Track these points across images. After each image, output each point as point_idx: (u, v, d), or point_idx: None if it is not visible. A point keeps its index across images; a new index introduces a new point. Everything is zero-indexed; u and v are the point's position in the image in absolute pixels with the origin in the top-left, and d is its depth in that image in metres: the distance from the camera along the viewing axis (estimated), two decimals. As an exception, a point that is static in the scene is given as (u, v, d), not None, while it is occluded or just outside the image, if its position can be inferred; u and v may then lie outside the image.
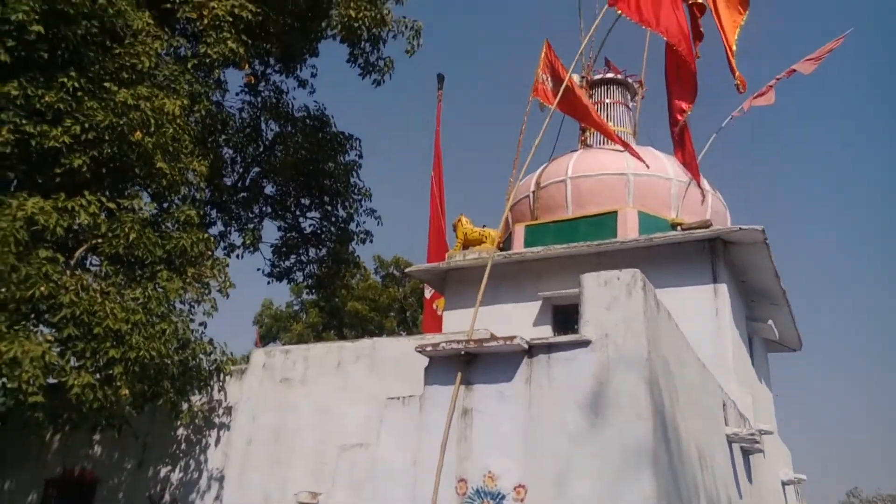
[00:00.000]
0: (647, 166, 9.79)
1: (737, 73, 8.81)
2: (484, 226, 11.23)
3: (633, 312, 5.16)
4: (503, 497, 5.17)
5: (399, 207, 52.11)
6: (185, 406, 7.94)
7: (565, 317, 9.49)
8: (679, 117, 8.59)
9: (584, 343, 5.23)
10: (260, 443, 7.95)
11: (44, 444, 9.96)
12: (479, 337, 5.86)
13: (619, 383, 5.05)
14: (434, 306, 15.22)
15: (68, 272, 7.15)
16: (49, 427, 7.16)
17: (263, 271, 13.06)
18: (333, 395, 7.73)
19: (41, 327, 7.40)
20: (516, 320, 9.55)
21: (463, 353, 5.73)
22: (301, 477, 7.44)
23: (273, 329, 20.87)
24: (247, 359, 10.05)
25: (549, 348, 5.39)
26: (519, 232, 10.76)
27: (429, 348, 5.82)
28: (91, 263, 8.59)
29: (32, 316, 7.06)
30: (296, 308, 22.17)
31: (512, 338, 5.47)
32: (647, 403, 4.96)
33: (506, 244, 11.30)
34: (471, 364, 5.74)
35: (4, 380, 6.65)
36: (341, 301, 20.40)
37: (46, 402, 6.08)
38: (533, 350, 5.42)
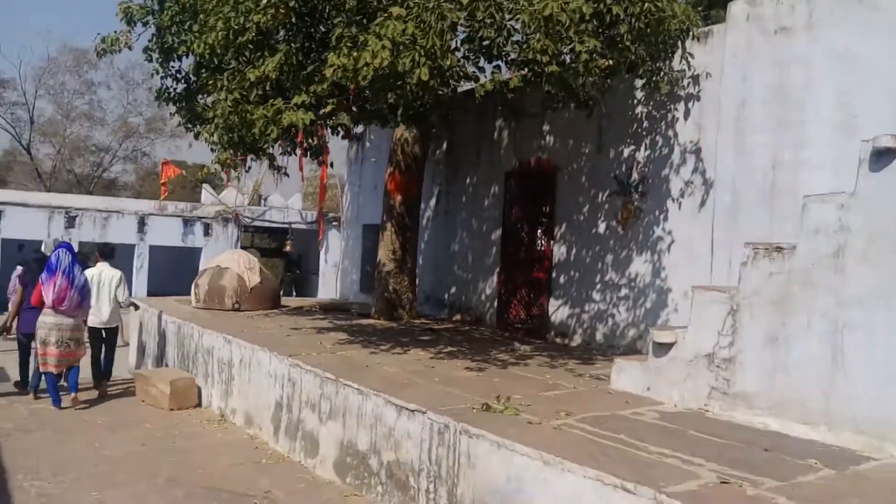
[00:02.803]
0: None
1: None
2: None
3: None
4: None
5: None
6: (661, 76, 7.16)
7: None
8: None
9: None
10: (757, 103, 6.94)
11: (494, 139, 10.32)
12: None
13: None
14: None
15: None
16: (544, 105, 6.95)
17: None
18: (857, 34, 6.22)
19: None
20: None
21: None
22: (822, 132, 6.37)
23: None
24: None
25: None
26: None
27: None
28: None
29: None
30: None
31: None
32: None
33: None
34: None
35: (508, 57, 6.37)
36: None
37: (559, 72, 5.64)
38: None
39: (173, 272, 24.36)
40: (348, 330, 9.13)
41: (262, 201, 25.77)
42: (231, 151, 6.79)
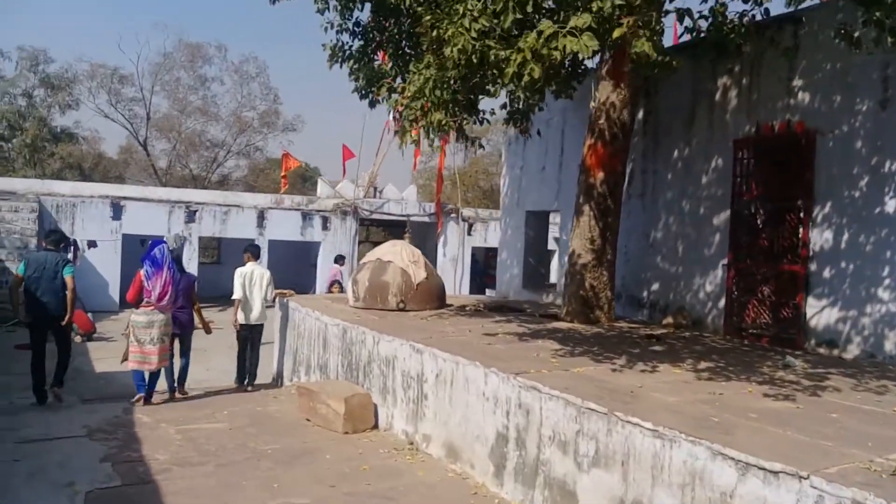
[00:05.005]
0: None
1: None
2: None
3: None
4: None
5: None
6: None
7: None
8: None
9: None
10: None
11: (716, 101, 8.37)
12: None
13: None
14: None
15: None
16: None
17: None
18: None
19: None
20: None
21: None
22: None
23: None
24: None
25: None
26: None
27: None
28: None
29: None
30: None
31: None
32: None
33: None
34: None
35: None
36: None
37: None
38: None
39: (292, 267, 23.52)
40: (552, 336, 7.45)
41: (377, 193, 24.55)
42: (441, 112, 5.19)
